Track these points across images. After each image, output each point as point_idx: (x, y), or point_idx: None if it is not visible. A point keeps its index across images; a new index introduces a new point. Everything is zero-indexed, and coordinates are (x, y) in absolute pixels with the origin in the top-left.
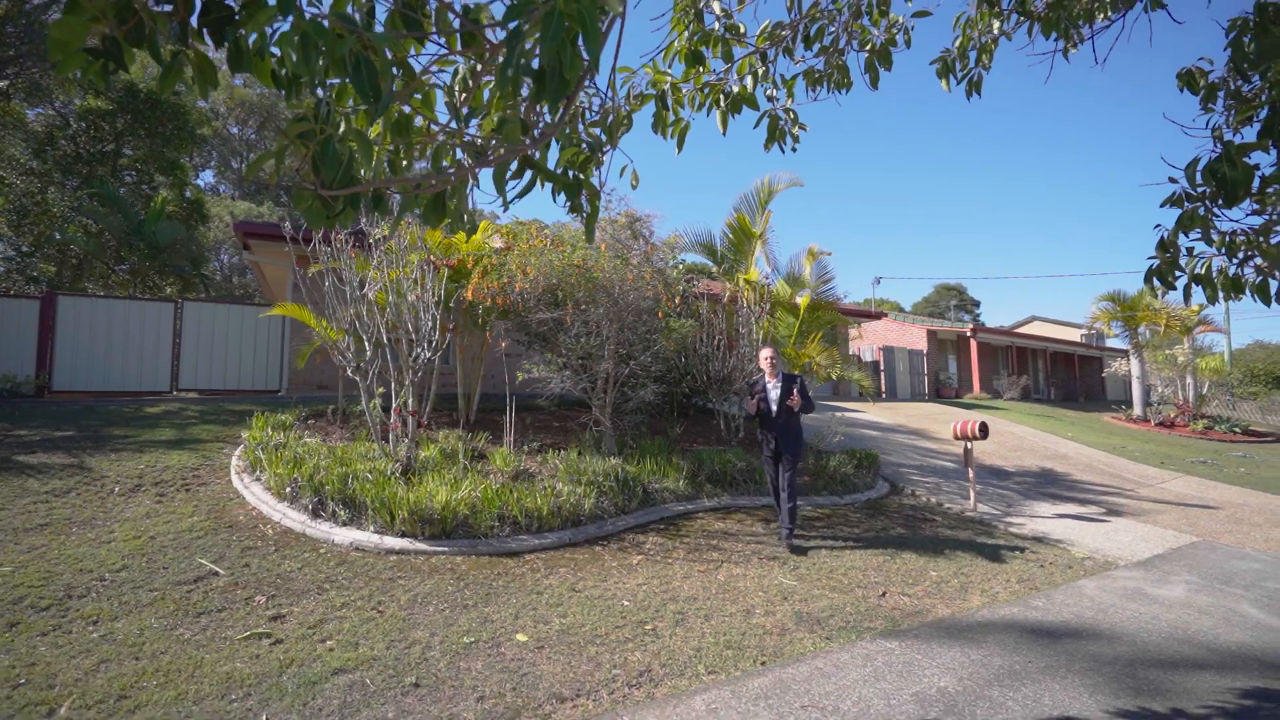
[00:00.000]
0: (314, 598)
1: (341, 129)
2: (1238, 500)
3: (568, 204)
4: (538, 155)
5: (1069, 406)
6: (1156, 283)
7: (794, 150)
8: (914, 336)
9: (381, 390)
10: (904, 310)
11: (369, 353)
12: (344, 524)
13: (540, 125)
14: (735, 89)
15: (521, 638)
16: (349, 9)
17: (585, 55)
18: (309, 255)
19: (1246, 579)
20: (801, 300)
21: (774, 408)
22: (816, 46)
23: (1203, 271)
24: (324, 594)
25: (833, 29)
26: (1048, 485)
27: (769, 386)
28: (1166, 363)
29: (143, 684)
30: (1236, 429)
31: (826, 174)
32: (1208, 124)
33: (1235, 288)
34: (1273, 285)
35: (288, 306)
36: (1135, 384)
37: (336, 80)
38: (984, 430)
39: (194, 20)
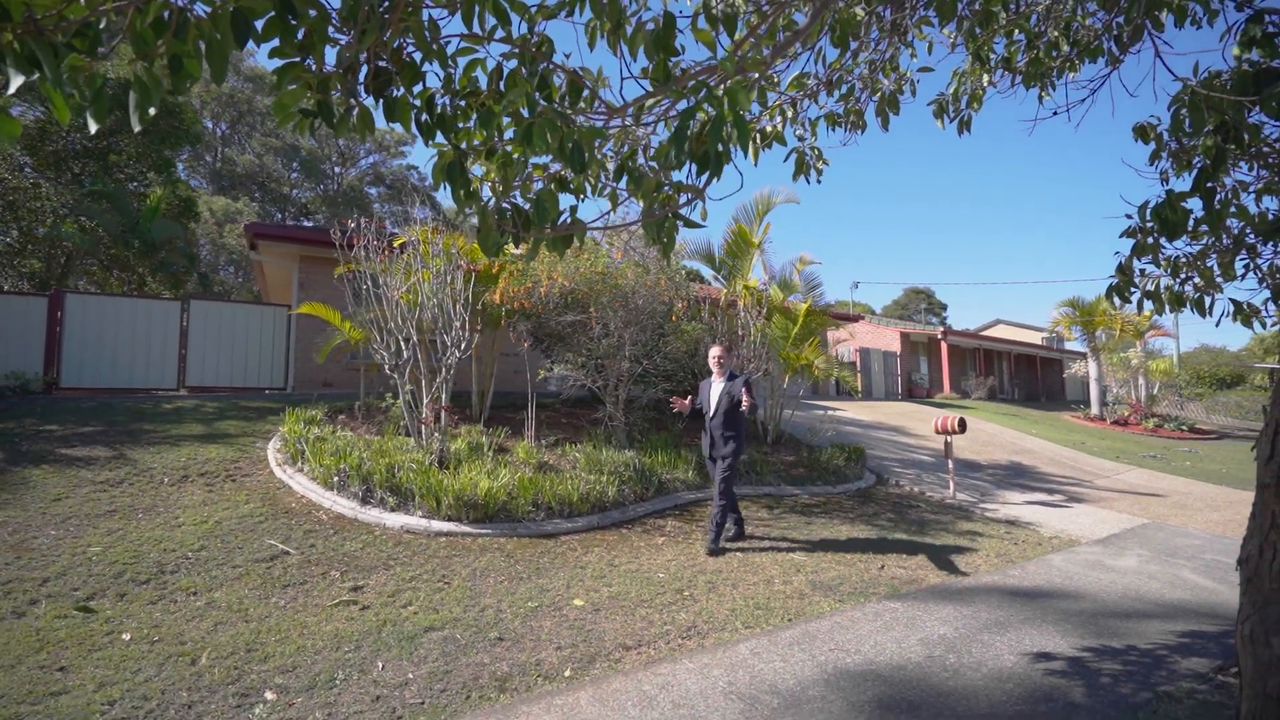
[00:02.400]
0: (383, 572)
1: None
2: (1183, 489)
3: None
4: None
5: (1032, 406)
6: (1116, 298)
7: (819, 181)
8: (888, 339)
9: (410, 388)
10: (875, 312)
11: (406, 353)
12: (392, 509)
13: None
14: (768, 128)
15: (578, 602)
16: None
17: (737, 147)
18: (352, 258)
19: (1188, 552)
20: (802, 306)
21: (711, 407)
22: (837, 94)
23: (1152, 289)
24: (390, 569)
25: (850, 79)
26: (1017, 477)
27: (711, 384)
28: (1121, 365)
29: (262, 640)
30: (1184, 427)
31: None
32: (1156, 167)
33: (1178, 302)
34: (1207, 300)
35: (315, 306)
36: (1093, 385)
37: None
38: (963, 425)
39: (360, 83)
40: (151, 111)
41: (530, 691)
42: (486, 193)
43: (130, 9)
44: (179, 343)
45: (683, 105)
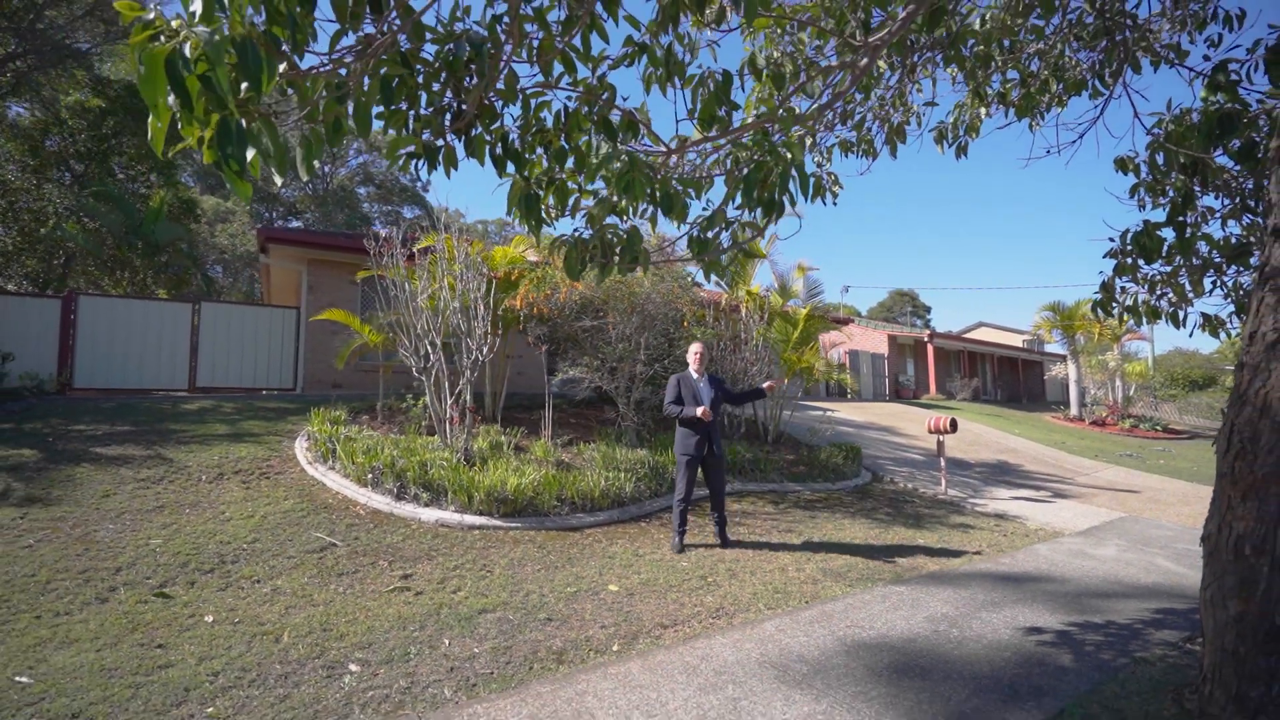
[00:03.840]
0: (427, 562)
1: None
2: (1157, 486)
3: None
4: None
5: (1014, 407)
6: (1100, 312)
7: (834, 204)
8: (876, 341)
9: (432, 389)
10: (861, 315)
11: (433, 356)
12: (426, 505)
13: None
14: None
15: (613, 588)
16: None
17: (798, 193)
18: (383, 266)
19: (1161, 542)
20: (803, 311)
21: (707, 405)
22: (850, 123)
23: (1131, 303)
24: (434, 559)
25: (862, 110)
26: (1003, 474)
27: (696, 382)
28: (1099, 367)
29: (333, 621)
30: (1158, 427)
31: None
32: (1134, 197)
33: (1154, 315)
34: (1180, 314)
35: (335, 312)
36: (1072, 386)
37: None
38: (954, 426)
39: (446, 124)
40: (315, 163)
41: (585, 663)
42: (555, 221)
43: (318, 88)
44: (189, 343)
45: (730, 145)
